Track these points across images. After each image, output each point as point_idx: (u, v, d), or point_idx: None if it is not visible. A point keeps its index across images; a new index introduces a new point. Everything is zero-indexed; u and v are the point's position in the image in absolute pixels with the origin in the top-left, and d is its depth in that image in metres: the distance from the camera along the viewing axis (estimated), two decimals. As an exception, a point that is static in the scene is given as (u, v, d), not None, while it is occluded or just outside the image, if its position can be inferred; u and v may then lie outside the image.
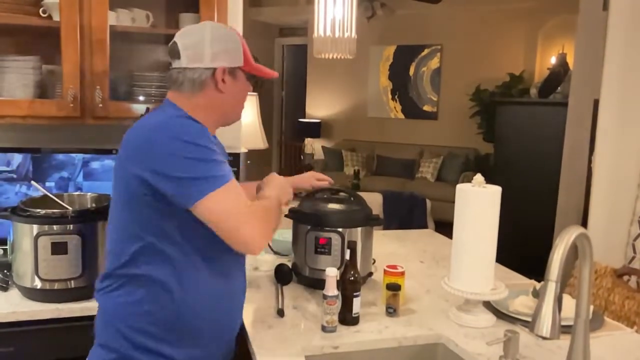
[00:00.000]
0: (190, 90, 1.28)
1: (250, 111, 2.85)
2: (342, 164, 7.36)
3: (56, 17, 1.77)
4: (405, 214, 4.24)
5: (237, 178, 2.00)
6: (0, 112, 1.73)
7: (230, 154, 2.01)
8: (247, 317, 1.53)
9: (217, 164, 1.19)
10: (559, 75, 4.72)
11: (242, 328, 1.49)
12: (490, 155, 6.36)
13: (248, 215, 1.20)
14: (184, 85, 1.28)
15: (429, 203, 4.50)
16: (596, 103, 2.59)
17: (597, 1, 3.74)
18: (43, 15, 1.80)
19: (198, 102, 1.28)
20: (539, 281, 1.77)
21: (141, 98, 1.96)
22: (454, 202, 1.50)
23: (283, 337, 1.41)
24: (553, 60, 5.47)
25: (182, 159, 1.15)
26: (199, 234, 1.20)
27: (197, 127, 1.22)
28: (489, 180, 1.49)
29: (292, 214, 1.79)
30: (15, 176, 1.86)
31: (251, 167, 2.11)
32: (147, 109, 1.85)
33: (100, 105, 1.79)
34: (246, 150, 2.10)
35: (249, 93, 1.40)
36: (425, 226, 4.24)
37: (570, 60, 4.56)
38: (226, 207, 1.17)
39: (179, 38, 1.28)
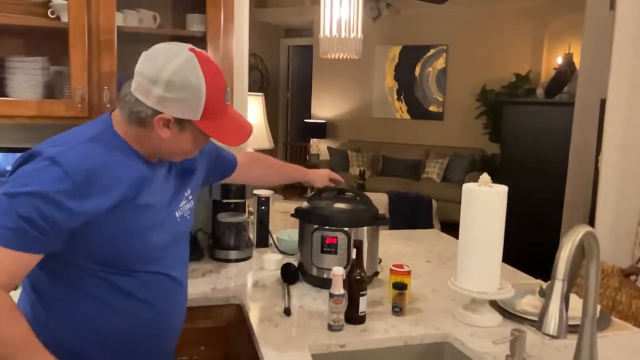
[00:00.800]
0: (128, 117, 1.15)
1: (257, 111, 2.87)
2: (348, 165, 7.36)
3: (64, 18, 1.79)
4: (411, 214, 4.24)
5: (244, 178, 2.03)
6: (10, 112, 1.74)
7: (236, 154, 2.04)
8: (254, 315, 1.54)
9: (9, 217, 1.01)
10: (566, 75, 4.70)
11: (247, 326, 1.50)
12: (496, 155, 6.34)
13: None
14: (124, 109, 1.15)
15: (434, 203, 4.49)
16: (603, 103, 2.58)
17: (604, 0, 3.72)
18: (51, 16, 1.81)
19: (132, 132, 1.16)
20: (545, 281, 1.77)
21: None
22: (459, 202, 1.50)
23: (290, 335, 1.42)
24: (559, 60, 5.45)
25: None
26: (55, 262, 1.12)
27: (58, 173, 1.04)
28: (495, 180, 1.49)
29: (299, 213, 1.80)
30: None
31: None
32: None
33: (108, 105, 1.80)
34: (253, 151, 2.10)
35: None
36: (430, 226, 4.23)
37: (576, 60, 4.54)
38: None
39: (144, 56, 1.14)
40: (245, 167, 1.70)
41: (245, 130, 1.23)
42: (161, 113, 1.11)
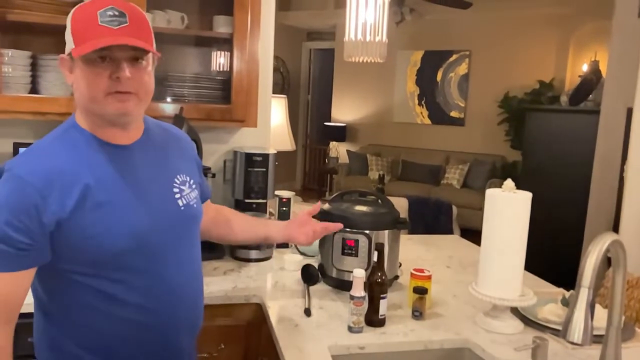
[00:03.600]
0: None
1: (279, 113, 2.89)
2: (367, 168, 7.35)
3: (96, 18, 1.83)
4: (431, 219, 4.22)
5: (266, 178, 2.05)
6: (42, 109, 1.79)
7: (259, 155, 2.06)
8: (274, 315, 1.55)
9: None
10: (591, 83, 4.64)
11: (267, 325, 1.51)
12: (517, 162, 6.28)
13: None
14: None
15: (455, 209, 4.46)
16: (629, 111, 2.54)
17: (632, 8, 3.67)
18: (83, 16, 1.85)
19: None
20: (567, 290, 1.75)
21: (174, 98, 2.01)
22: (479, 209, 1.50)
23: (310, 335, 1.42)
24: (585, 67, 5.38)
25: None
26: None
27: (17, 183, 1.04)
28: (517, 187, 1.48)
29: (320, 215, 1.80)
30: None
31: (278, 168, 2.13)
32: (181, 109, 1.89)
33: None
34: (275, 151, 2.12)
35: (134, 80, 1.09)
36: (450, 232, 4.21)
37: (603, 67, 4.49)
38: None
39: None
40: (214, 208, 1.56)
41: (124, 38, 1.06)
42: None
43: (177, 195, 1.23)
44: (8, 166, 1.08)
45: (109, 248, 1.10)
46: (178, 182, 1.25)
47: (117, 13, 1.07)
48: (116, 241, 1.10)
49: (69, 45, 1.09)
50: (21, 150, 1.89)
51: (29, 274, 1.09)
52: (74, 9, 1.11)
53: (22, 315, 1.12)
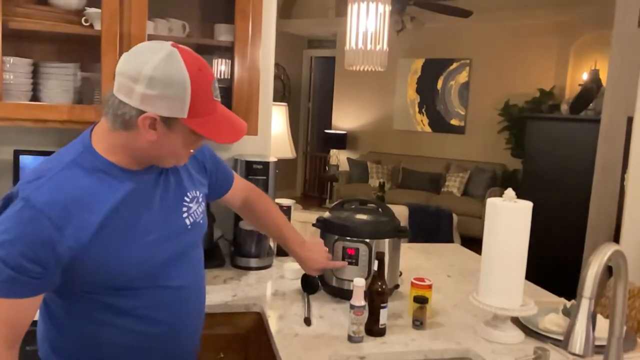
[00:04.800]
0: (112, 123, 1.08)
1: (280, 121, 2.89)
2: (367, 176, 7.36)
3: (97, 27, 1.83)
4: (431, 227, 4.22)
5: (266, 186, 2.04)
6: (43, 116, 1.79)
7: (260, 163, 2.06)
8: (273, 324, 1.54)
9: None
10: (591, 91, 4.65)
11: (266, 334, 1.50)
12: (518, 171, 6.28)
13: None
14: (108, 114, 1.09)
15: (455, 217, 4.46)
16: (630, 120, 2.54)
17: (632, 17, 3.68)
18: (85, 24, 1.86)
19: (119, 139, 1.10)
20: (567, 299, 1.74)
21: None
22: (480, 217, 1.50)
23: (309, 345, 1.42)
24: (585, 76, 5.40)
25: None
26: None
27: (32, 214, 1.02)
28: (517, 196, 1.48)
29: (320, 223, 1.80)
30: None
31: (278, 176, 2.13)
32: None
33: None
34: (276, 159, 2.12)
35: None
36: (451, 241, 4.20)
37: (603, 76, 4.49)
38: None
39: (124, 56, 1.08)
40: (242, 196, 1.59)
41: (237, 128, 1.14)
42: (145, 112, 1.04)
43: (185, 215, 1.24)
44: (24, 193, 1.04)
45: (118, 274, 1.12)
46: (187, 200, 1.26)
47: (216, 85, 1.11)
48: (126, 268, 1.13)
49: (173, 110, 1.04)
50: (22, 158, 1.89)
51: (38, 299, 1.09)
52: (192, 74, 1.04)
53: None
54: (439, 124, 7.38)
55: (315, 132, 9.09)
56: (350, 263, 1.70)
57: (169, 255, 1.19)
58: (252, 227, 1.86)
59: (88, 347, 1.17)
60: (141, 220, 1.14)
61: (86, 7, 1.86)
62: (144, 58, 1.04)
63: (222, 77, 2.19)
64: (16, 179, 1.88)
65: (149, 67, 1.03)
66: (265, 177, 2.06)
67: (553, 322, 1.54)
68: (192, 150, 1.18)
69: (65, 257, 1.05)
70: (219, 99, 1.12)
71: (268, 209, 1.65)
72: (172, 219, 1.21)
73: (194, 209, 1.26)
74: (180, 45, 1.08)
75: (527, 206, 1.45)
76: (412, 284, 1.62)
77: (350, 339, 1.44)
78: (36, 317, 1.19)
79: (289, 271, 1.92)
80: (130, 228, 1.12)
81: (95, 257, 1.08)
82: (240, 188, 1.57)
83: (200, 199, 1.30)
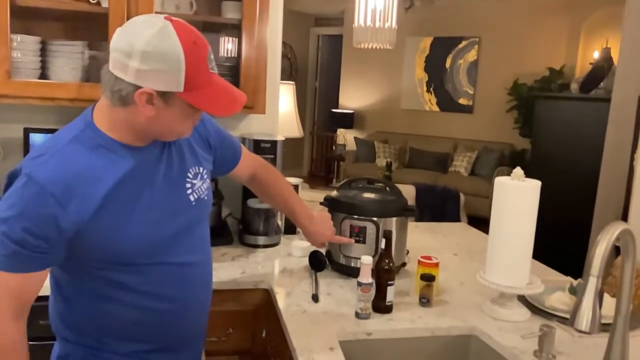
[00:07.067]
0: (110, 100, 1.08)
1: (287, 100, 2.88)
2: (374, 156, 7.34)
3: (105, 4, 1.83)
4: (438, 207, 4.22)
5: (274, 165, 2.05)
6: (51, 94, 1.80)
7: (267, 142, 2.06)
8: (282, 301, 1.56)
9: (2, 243, 1.02)
10: (602, 70, 4.59)
11: (274, 310, 1.53)
12: (526, 150, 6.25)
13: None
14: (106, 91, 1.08)
15: (462, 197, 4.45)
16: (641, 99, 2.51)
17: (646, -6, 3.61)
18: (92, 2, 1.85)
19: (118, 116, 1.09)
20: (574, 278, 1.75)
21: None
22: (487, 197, 1.51)
23: (317, 321, 1.44)
24: (596, 54, 5.31)
25: None
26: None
27: (35, 190, 1.02)
28: (525, 175, 1.47)
29: (327, 202, 1.81)
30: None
31: (285, 155, 2.14)
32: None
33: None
34: (283, 138, 2.12)
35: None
36: (458, 221, 4.20)
37: (614, 54, 4.43)
38: None
39: (118, 31, 1.06)
40: (251, 171, 1.59)
41: (235, 99, 1.12)
42: (141, 88, 1.03)
43: (189, 191, 1.24)
44: (27, 169, 1.05)
45: (122, 249, 1.13)
46: (191, 175, 1.26)
47: (212, 57, 1.09)
48: (130, 244, 1.13)
49: (169, 84, 1.03)
50: (32, 136, 1.90)
51: (44, 273, 1.11)
52: (186, 47, 1.02)
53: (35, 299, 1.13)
54: (447, 103, 7.33)
55: (322, 111, 9.06)
56: (357, 241, 1.71)
57: (173, 231, 1.20)
58: (261, 200, 1.87)
59: (96, 321, 1.18)
60: (144, 196, 1.15)
61: (93, -16, 1.85)
62: (136, 33, 1.02)
63: (229, 55, 2.18)
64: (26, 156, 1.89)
65: (141, 42, 1.01)
66: (272, 156, 2.06)
67: (559, 301, 1.55)
68: (194, 122, 1.17)
69: (68, 233, 1.06)
70: (216, 71, 1.10)
71: (277, 183, 1.65)
72: (176, 195, 1.21)
73: (198, 185, 1.26)
74: (175, 18, 1.06)
75: (535, 185, 1.44)
76: (419, 262, 1.64)
77: (357, 315, 1.46)
78: (48, 292, 1.22)
79: (297, 249, 1.94)
80: (132, 204, 1.13)
81: (98, 233, 1.09)
82: (249, 163, 1.57)
83: (205, 175, 1.30)
